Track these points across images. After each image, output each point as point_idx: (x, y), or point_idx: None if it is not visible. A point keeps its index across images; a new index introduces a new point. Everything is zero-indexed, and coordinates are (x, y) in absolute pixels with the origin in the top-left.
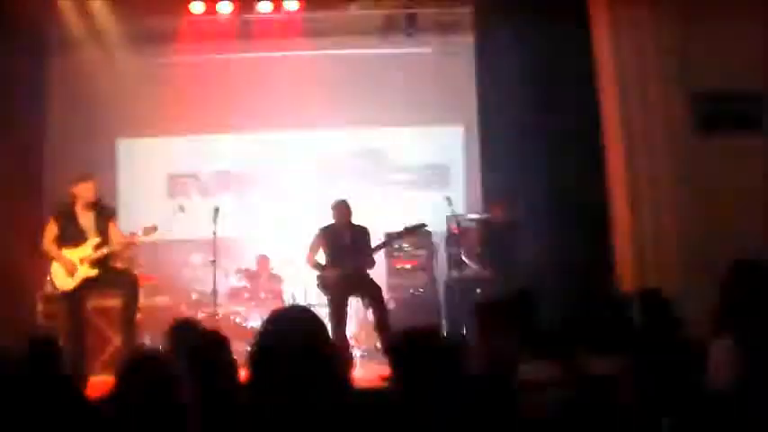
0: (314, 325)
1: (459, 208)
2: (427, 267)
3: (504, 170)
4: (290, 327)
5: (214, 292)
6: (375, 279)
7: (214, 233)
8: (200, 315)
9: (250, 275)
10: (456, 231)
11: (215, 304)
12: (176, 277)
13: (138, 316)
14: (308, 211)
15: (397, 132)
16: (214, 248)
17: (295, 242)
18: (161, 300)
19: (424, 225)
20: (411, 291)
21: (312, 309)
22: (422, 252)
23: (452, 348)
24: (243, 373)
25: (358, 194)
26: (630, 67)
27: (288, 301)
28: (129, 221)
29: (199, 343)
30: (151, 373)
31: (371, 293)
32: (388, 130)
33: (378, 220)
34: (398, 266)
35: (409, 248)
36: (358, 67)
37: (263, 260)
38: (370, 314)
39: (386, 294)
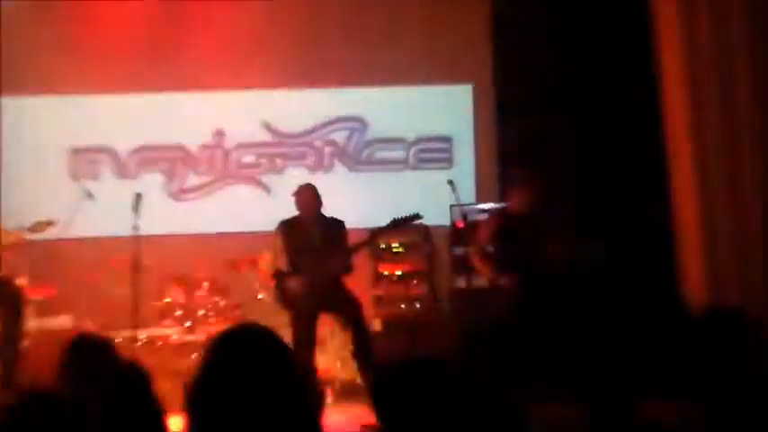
0: (275, 352)
1: (467, 195)
2: (424, 274)
3: (529, 145)
4: (242, 355)
5: (134, 309)
6: (354, 290)
7: (135, 228)
8: (116, 340)
9: (185, 286)
10: (462, 226)
11: (135, 326)
12: (82, 290)
13: (25, 343)
14: (266, 199)
15: (381, 94)
16: (135, 250)
17: (248, 241)
18: (60, 320)
19: (418, 217)
20: (402, 306)
21: (272, 330)
22: (416, 254)
23: (458, 386)
24: (174, 422)
25: (330, 178)
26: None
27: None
28: (14, 212)
29: (110, 379)
30: (40, 428)
31: (349, 310)
32: (370, 90)
33: (357, 211)
34: (385, 273)
35: (400, 249)
36: (326, 6)
37: (203, 265)
38: (347, 337)
39: (368, 311)
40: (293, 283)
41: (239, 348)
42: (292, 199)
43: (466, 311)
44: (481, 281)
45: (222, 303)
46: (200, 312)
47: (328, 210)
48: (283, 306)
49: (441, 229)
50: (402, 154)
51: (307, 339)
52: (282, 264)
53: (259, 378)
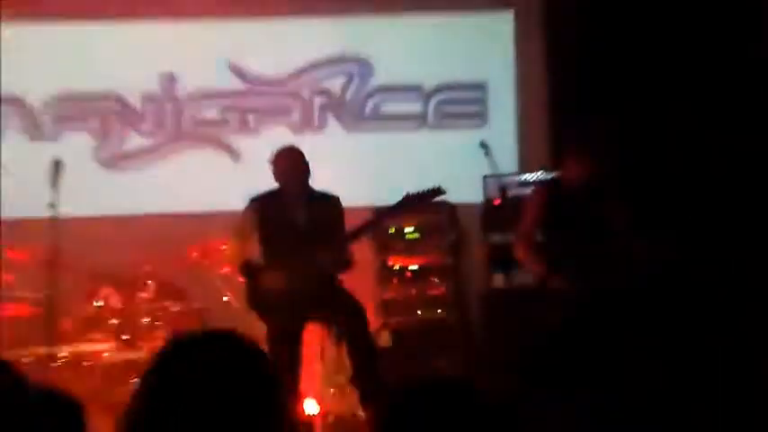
0: (249, 371)
1: (506, 162)
2: (447, 270)
3: (593, 93)
4: (197, 377)
5: (49, 317)
6: (353, 291)
7: (52, 208)
8: (24, 359)
9: (123, 286)
10: (500, 205)
11: (52, 340)
12: None
13: None
14: (234, 168)
15: (392, 26)
16: (52, 237)
17: (210, 225)
18: None
19: (440, 192)
20: (418, 312)
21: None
22: (438, 242)
23: (492, 418)
24: None
25: (322, 139)
26: None
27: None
28: None
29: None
30: None
31: (346, 318)
32: (376, 21)
33: (357, 184)
34: (396, 267)
35: (415, 235)
36: None
37: (148, 257)
38: (343, 356)
39: (373, 319)
40: (270, 282)
41: (193, 367)
42: (269, 168)
43: (504, 320)
44: (526, 279)
45: (174, 309)
46: (144, 321)
47: (319, 182)
48: (257, 312)
49: (471, 208)
50: (419, 107)
51: (288, 358)
52: (255, 255)
53: (224, 412)
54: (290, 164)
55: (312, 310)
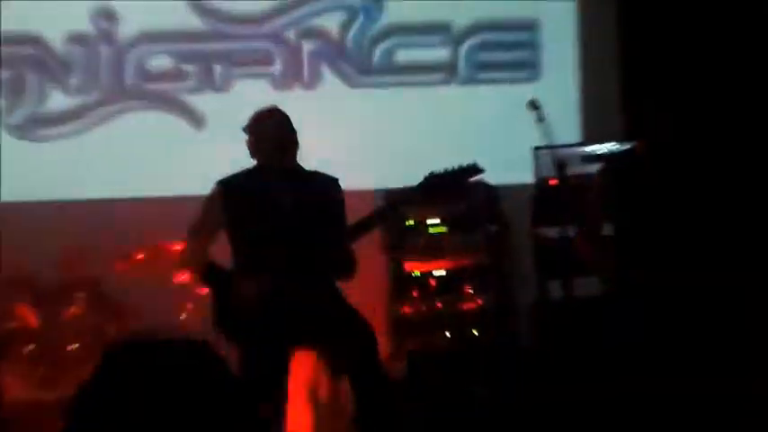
0: (200, 377)
1: (565, 130)
2: (486, 275)
3: (672, 41)
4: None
5: None
6: (358, 305)
7: None
8: None
9: (42, 298)
10: (556, 186)
11: None
12: None
13: None
14: (195, 137)
15: None
16: None
17: (160, 215)
18: None
19: (475, 170)
20: (446, 333)
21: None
22: (473, 238)
23: None
24: None
25: (315, 99)
26: None
27: None
28: None
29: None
30: None
31: (348, 341)
32: None
33: (363, 160)
34: (416, 273)
35: (441, 229)
36: None
37: (77, 260)
38: (344, 393)
39: (385, 342)
40: (244, 294)
41: (138, 374)
42: (243, 137)
43: (562, 342)
44: (592, 287)
45: (111, 330)
46: (70, 347)
47: (310, 158)
48: (225, 336)
49: (517, 191)
50: (445, 55)
51: (269, 398)
52: (218, 255)
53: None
54: (272, 132)
55: (302, 333)
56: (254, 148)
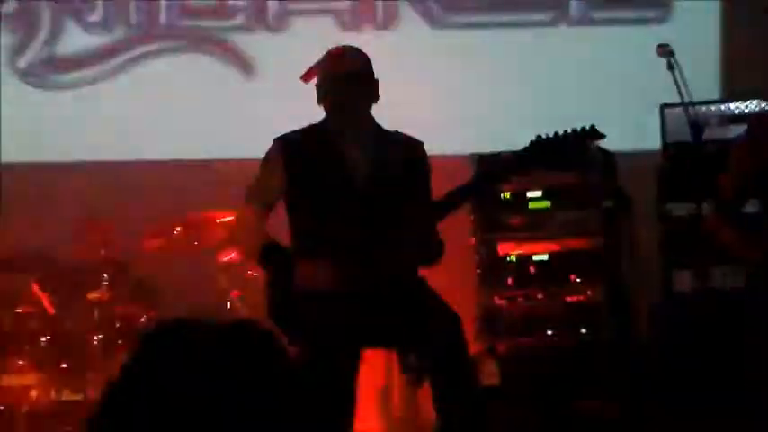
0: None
1: (701, 83)
2: (601, 260)
3: None
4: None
5: None
6: (445, 295)
7: None
8: None
9: (61, 279)
10: (690, 152)
11: None
12: None
13: None
14: (245, 86)
15: None
16: None
17: (204, 180)
18: None
19: (593, 134)
20: (548, 331)
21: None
22: (583, 215)
23: None
24: None
25: (393, 43)
26: None
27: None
28: None
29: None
30: None
31: (431, 338)
32: None
33: (452, 120)
34: (512, 257)
35: (546, 203)
36: None
37: (102, 234)
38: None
39: (474, 339)
40: (308, 279)
41: (189, 359)
42: (306, 88)
43: (693, 342)
44: (731, 278)
45: (143, 319)
46: (94, 339)
47: (385, 116)
48: (283, 329)
49: (641, 158)
50: None
51: (337, 400)
52: (280, 233)
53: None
54: (345, 79)
55: (377, 326)
56: (321, 98)
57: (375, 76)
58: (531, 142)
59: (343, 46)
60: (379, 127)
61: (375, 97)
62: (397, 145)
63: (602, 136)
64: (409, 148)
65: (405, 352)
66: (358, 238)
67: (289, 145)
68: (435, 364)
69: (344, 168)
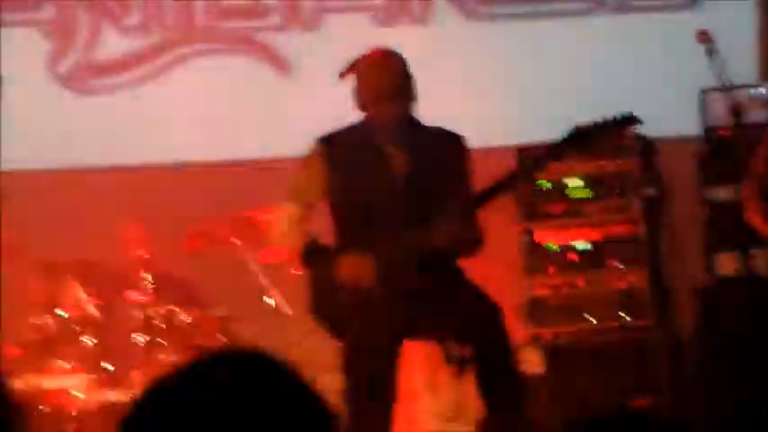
0: (289, 400)
1: (741, 66)
2: (642, 247)
3: None
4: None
5: None
6: (483, 284)
7: None
8: None
9: (101, 280)
10: (730, 136)
11: None
12: None
13: None
14: (283, 86)
15: None
16: None
17: (242, 180)
18: None
19: (631, 120)
20: (591, 319)
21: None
22: (623, 202)
23: None
24: None
25: (429, 37)
26: None
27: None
28: None
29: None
30: None
31: (474, 327)
32: None
33: (490, 112)
34: (553, 245)
35: (586, 191)
36: None
37: (141, 236)
38: (467, 389)
39: (516, 329)
40: (350, 272)
41: (196, 410)
42: (344, 87)
43: (738, 330)
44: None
45: (186, 319)
46: (138, 339)
47: (427, 111)
48: (325, 324)
49: (681, 144)
50: None
51: (378, 396)
52: (322, 232)
53: None
54: (383, 78)
55: (418, 318)
56: (362, 98)
57: (412, 76)
58: (569, 131)
59: (380, 49)
60: (418, 123)
61: (413, 97)
62: (437, 140)
63: (639, 122)
64: (449, 143)
65: (446, 342)
66: (397, 233)
67: (329, 145)
68: (477, 354)
69: (385, 166)
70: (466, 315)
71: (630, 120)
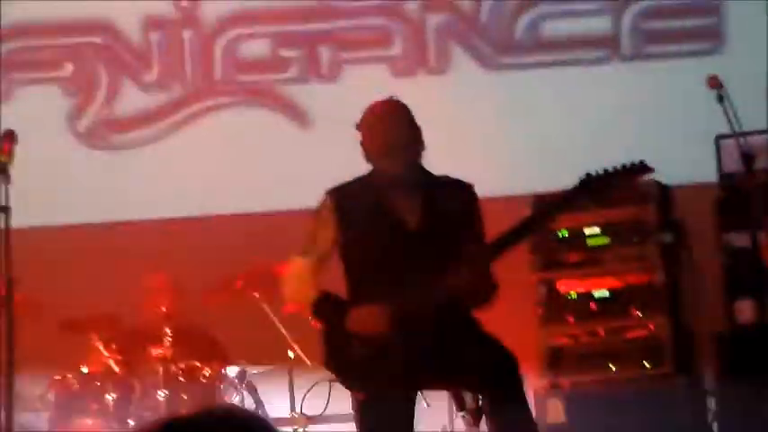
0: None
1: (755, 113)
2: (661, 294)
3: None
4: None
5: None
6: (500, 334)
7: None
8: None
9: (120, 340)
10: (746, 182)
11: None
12: None
13: None
14: (297, 137)
15: None
16: None
17: (259, 232)
18: None
19: (644, 169)
20: (612, 367)
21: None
22: (641, 250)
23: None
24: None
25: (445, 86)
26: None
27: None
28: None
29: None
30: None
31: (489, 378)
32: None
33: (504, 160)
34: (572, 294)
35: (604, 239)
36: None
37: (161, 290)
38: None
39: (535, 378)
40: (363, 324)
41: None
42: (357, 138)
43: (759, 377)
44: None
45: (206, 372)
46: (161, 396)
47: (440, 161)
48: (339, 377)
49: (697, 191)
50: (605, 25)
51: None
52: (335, 285)
53: None
54: (388, 131)
55: (432, 370)
56: (369, 150)
57: (417, 126)
58: (581, 179)
59: (383, 101)
60: (427, 172)
61: (421, 144)
62: (446, 189)
63: (650, 170)
64: (459, 191)
65: (460, 392)
66: (411, 283)
67: (339, 196)
68: (492, 404)
69: (395, 216)
70: (480, 365)
71: (642, 168)
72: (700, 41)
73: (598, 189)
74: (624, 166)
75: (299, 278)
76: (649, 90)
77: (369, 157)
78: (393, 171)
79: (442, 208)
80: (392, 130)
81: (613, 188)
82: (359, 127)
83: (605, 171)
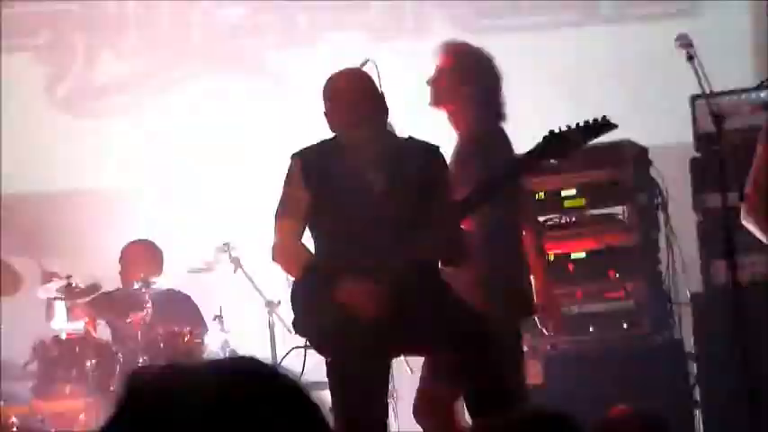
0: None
1: (729, 73)
2: (637, 255)
3: None
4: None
5: None
6: (470, 297)
7: None
8: None
9: (101, 307)
10: (720, 143)
11: None
12: None
13: None
14: (271, 99)
15: None
16: None
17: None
18: None
19: (605, 126)
20: (590, 328)
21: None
22: (619, 211)
23: None
24: None
25: (423, 51)
26: None
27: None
28: None
29: None
30: None
31: (462, 342)
32: None
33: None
34: (549, 256)
35: (580, 201)
36: None
37: (139, 255)
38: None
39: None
40: (356, 299)
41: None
42: (324, 102)
43: (733, 337)
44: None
45: (184, 339)
46: (141, 360)
47: (418, 128)
48: (309, 339)
49: (673, 151)
50: None
51: (368, 416)
52: (302, 240)
53: None
54: (355, 103)
55: (404, 335)
56: (333, 122)
57: (381, 93)
58: (544, 137)
59: (344, 72)
60: (393, 135)
61: (385, 112)
62: (413, 150)
63: (613, 126)
64: (425, 153)
65: (434, 357)
66: (378, 243)
67: (306, 158)
68: (467, 367)
69: (363, 177)
70: (455, 331)
71: (605, 124)
72: (677, 1)
73: (562, 145)
74: (587, 122)
75: (288, 239)
76: (627, 51)
77: (334, 129)
78: (360, 143)
79: (409, 169)
80: (356, 104)
81: (577, 144)
82: (328, 89)
83: (568, 127)
